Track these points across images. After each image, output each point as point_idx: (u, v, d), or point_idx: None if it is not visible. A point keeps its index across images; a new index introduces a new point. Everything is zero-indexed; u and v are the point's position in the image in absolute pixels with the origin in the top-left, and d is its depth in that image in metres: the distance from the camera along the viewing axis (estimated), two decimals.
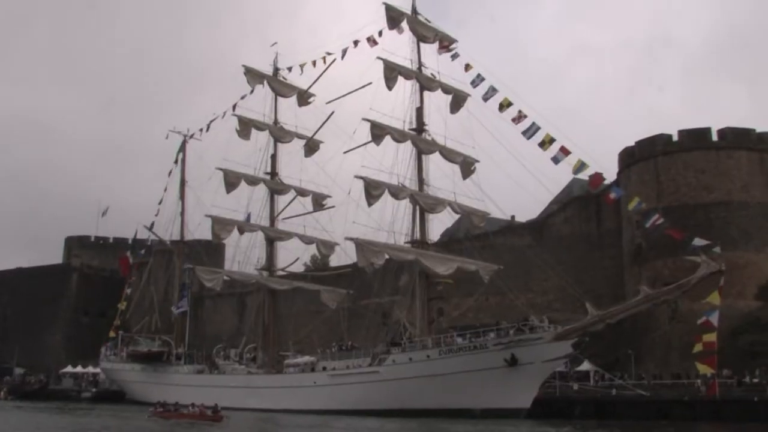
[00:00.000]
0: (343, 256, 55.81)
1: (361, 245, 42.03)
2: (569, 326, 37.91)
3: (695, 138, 56.35)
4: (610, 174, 64.65)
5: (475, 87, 43.71)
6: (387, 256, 43.76)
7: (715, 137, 56.27)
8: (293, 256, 58.30)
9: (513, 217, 66.74)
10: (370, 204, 42.82)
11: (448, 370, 38.98)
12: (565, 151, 39.56)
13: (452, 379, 38.73)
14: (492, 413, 37.53)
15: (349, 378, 43.18)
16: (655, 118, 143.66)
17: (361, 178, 42.93)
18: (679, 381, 45.61)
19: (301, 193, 55.86)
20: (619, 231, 61.93)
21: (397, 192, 43.63)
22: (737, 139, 56.02)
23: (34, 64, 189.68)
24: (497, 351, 38.06)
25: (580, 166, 38.81)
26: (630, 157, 59.82)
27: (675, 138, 57.29)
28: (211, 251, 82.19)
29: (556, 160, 39.51)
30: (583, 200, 66.98)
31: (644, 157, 58.69)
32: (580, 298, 39.33)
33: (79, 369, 79.37)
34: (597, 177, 39.56)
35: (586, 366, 48.78)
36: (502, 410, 37.62)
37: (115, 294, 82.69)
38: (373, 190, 42.65)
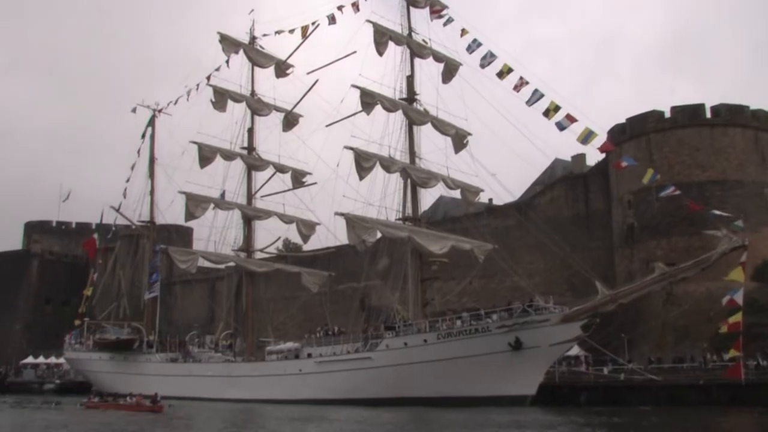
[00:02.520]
0: (323, 237, 52.91)
1: (351, 221, 38.85)
2: (578, 307, 35.42)
3: (689, 115, 54.64)
4: (596, 152, 62.97)
5: (471, 53, 40.74)
6: (378, 234, 40.78)
7: (708, 114, 54.58)
8: (270, 237, 55.08)
9: (491, 200, 64.28)
10: (361, 177, 39.65)
11: (447, 355, 36.26)
12: (571, 119, 36.76)
13: (452, 364, 36.10)
14: (495, 401, 34.96)
15: (338, 365, 40.22)
16: (609, 110, 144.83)
17: (351, 148, 39.80)
18: (678, 365, 43.57)
19: (280, 169, 52.49)
20: (608, 211, 59.96)
21: (388, 165, 40.55)
22: (731, 115, 54.68)
23: None
24: (501, 334, 35.42)
25: (588, 134, 36.11)
26: (621, 135, 57.64)
27: (667, 114, 55.40)
28: (180, 235, 78.90)
29: (560, 126, 36.70)
30: (570, 180, 64.85)
31: (636, 134, 56.77)
32: (591, 277, 36.72)
33: (41, 360, 75.47)
34: (606, 144, 36.92)
35: (575, 350, 46.46)
36: (506, 397, 35.14)
37: (79, 281, 79.82)
38: (364, 162, 39.48)
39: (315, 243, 54.94)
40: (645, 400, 36.12)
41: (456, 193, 47.23)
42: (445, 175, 43.30)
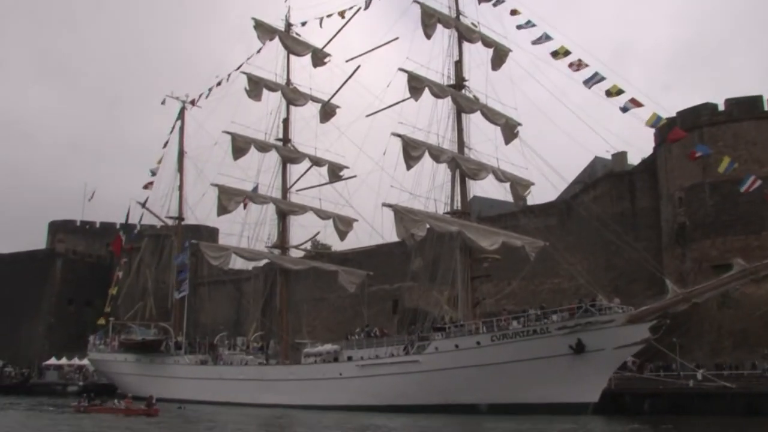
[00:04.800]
0: (361, 234, 50.24)
1: (400, 213, 36.13)
2: (647, 306, 32.62)
3: (744, 107, 51.49)
4: (644, 148, 60.22)
5: (522, 30, 38.06)
6: (428, 227, 38.11)
7: (766, 107, 51.57)
8: (305, 233, 52.33)
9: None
10: (409, 166, 37.00)
11: (502, 358, 33.63)
12: (636, 103, 34.03)
13: (507, 369, 33.44)
14: (554, 408, 32.28)
15: (382, 369, 37.55)
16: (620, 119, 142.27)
17: (399, 135, 37.17)
18: (738, 371, 40.62)
19: (317, 162, 49.88)
20: (656, 210, 56.97)
21: (437, 154, 37.89)
22: None
23: (14, 61, 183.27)
24: (561, 336, 32.69)
25: (656, 119, 33.41)
26: (670, 129, 54.67)
27: (721, 107, 52.47)
28: (208, 234, 76.83)
29: (624, 109, 33.93)
30: (614, 177, 61.92)
31: (687, 128, 53.29)
32: (662, 276, 33.98)
33: (64, 361, 73.56)
34: (677, 131, 34.15)
35: None
36: (566, 405, 32.37)
37: (103, 281, 78.41)
38: (412, 151, 36.85)
39: (351, 240, 52.39)
40: (718, 409, 33.19)
41: (490, 193, 44.58)
42: (495, 166, 40.63)
